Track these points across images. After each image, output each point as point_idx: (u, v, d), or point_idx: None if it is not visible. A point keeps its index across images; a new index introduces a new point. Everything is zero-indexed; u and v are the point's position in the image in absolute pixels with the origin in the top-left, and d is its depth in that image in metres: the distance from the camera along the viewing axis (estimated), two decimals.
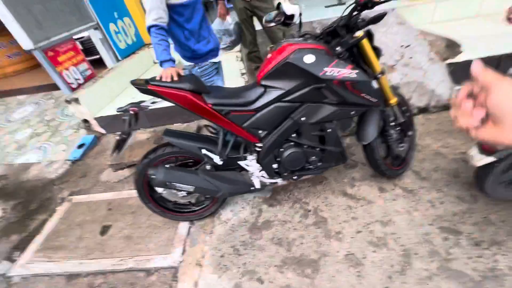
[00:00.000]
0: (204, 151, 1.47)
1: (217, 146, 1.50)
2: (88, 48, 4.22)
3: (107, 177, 2.52)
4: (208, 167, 1.53)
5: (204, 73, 1.83)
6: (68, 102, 2.97)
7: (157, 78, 1.37)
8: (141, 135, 2.85)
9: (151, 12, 1.49)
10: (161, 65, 1.50)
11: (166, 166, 1.50)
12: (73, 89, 3.12)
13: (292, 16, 2.31)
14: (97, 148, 2.99)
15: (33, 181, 2.67)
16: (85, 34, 3.92)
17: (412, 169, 1.88)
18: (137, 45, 4.20)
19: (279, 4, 2.32)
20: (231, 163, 1.55)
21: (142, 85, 1.34)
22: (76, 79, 3.19)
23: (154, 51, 1.54)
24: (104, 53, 3.73)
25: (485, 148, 1.31)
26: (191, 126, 2.84)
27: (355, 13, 1.28)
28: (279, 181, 1.63)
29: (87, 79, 3.35)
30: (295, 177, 1.64)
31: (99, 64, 3.83)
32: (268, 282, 1.44)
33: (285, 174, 1.62)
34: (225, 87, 1.70)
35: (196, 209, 1.82)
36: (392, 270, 1.37)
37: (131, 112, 1.42)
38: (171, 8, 1.55)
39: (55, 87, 4.58)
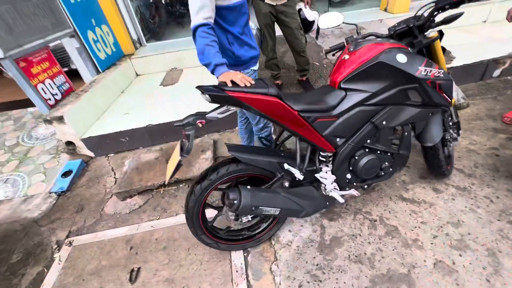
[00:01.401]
0: (286, 166, 1.27)
1: (295, 160, 1.31)
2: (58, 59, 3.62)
3: (113, 208, 2.09)
4: (286, 184, 1.33)
5: None
6: (48, 121, 2.44)
7: (229, 85, 1.14)
8: (146, 155, 2.47)
9: (202, 9, 1.26)
10: (213, 71, 1.26)
11: (247, 187, 1.25)
12: (51, 106, 2.60)
13: (312, 22, 2.27)
14: (88, 174, 2.50)
15: (6, 223, 2.08)
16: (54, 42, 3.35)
17: (454, 168, 1.93)
18: (116, 56, 3.75)
19: (299, 10, 2.28)
20: (307, 177, 1.37)
21: (216, 91, 1.11)
22: (54, 94, 2.67)
23: (202, 54, 1.26)
24: (81, 64, 3.23)
25: None
26: (206, 141, 2.56)
27: (435, 13, 1.26)
28: (352, 192, 1.50)
29: (65, 94, 2.83)
30: (365, 186, 1.53)
31: (70, 76, 3.25)
32: None
33: (356, 183, 1.50)
34: (298, 93, 1.53)
35: (251, 234, 1.58)
36: (486, 272, 1.33)
37: (199, 125, 1.17)
38: (216, 10, 1.36)
39: (10, 106, 3.82)
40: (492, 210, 1.61)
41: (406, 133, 1.41)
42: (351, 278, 1.39)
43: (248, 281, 1.46)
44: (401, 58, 1.21)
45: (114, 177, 2.40)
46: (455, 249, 1.45)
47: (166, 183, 1.64)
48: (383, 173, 1.51)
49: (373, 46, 1.24)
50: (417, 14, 1.33)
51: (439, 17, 1.29)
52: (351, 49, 1.31)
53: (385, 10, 4.03)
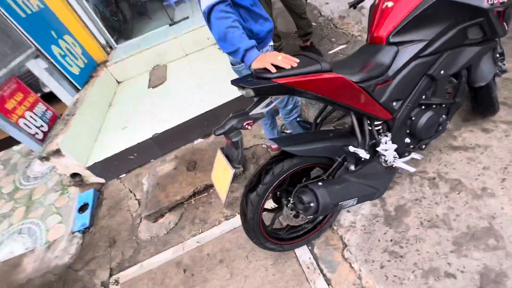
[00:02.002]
0: (351, 148, 1.10)
1: (352, 138, 1.14)
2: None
3: (148, 232, 1.93)
4: (352, 167, 1.17)
5: None
6: (44, 158, 2.17)
7: (272, 70, 0.92)
8: (163, 167, 2.26)
9: None
10: (243, 58, 1.04)
11: (319, 184, 1.09)
12: (41, 141, 2.31)
13: None
14: (106, 202, 2.30)
15: (38, 277, 1.91)
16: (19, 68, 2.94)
17: None
18: (90, 67, 3.36)
19: None
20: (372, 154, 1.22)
21: (262, 83, 0.89)
22: (39, 127, 2.38)
23: (224, 40, 1.04)
24: (55, 85, 2.86)
25: None
26: (219, 140, 2.35)
27: None
28: (415, 156, 1.36)
29: (51, 123, 2.53)
30: (423, 146, 1.40)
31: (46, 101, 2.87)
32: (460, 272, 1.19)
33: (414, 146, 1.36)
34: (341, 60, 1.30)
35: (313, 226, 1.45)
36: None
37: (248, 127, 0.97)
38: None
39: None
40: None
41: (463, 78, 1.25)
42: (432, 245, 1.30)
43: (324, 275, 1.36)
44: None
45: (136, 199, 2.21)
46: None
47: (224, 204, 1.39)
48: (440, 128, 1.37)
49: None
50: None
51: None
52: None
53: None
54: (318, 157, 1.17)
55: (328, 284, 1.33)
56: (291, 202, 1.21)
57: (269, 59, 0.96)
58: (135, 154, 2.43)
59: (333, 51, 2.42)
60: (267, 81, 0.90)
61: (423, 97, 1.24)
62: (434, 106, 1.28)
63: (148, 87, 3.19)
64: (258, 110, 1.01)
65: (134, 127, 2.58)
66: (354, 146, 1.10)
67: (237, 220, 1.75)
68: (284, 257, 1.49)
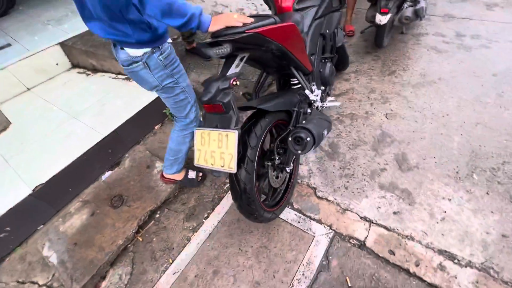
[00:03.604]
0: (307, 92, 1.27)
1: (302, 87, 1.35)
2: None
3: None
4: (308, 110, 1.34)
5: (169, 60, 1.19)
6: None
7: (240, 25, 0.95)
8: (71, 222, 1.63)
9: None
10: (198, 25, 0.95)
11: (303, 123, 1.15)
12: None
13: None
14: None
15: None
16: None
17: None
18: None
19: None
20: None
21: (239, 35, 0.90)
22: None
23: (170, 13, 0.90)
24: None
25: None
26: (139, 156, 1.98)
27: None
28: (334, 101, 1.74)
29: None
30: (330, 92, 1.83)
31: None
32: (385, 165, 1.67)
33: (327, 92, 1.76)
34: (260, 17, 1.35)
35: (284, 187, 1.55)
36: None
37: (235, 83, 0.95)
38: None
39: None
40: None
41: (338, 35, 1.75)
42: (363, 157, 1.74)
43: (313, 219, 1.50)
44: None
45: (43, 285, 1.48)
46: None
47: (235, 171, 1.03)
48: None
49: None
50: None
51: None
52: None
53: None
54: (280, 112, 1.29)
55: (321, 223, 1.47)
56: (276, 158, 1.26)
57: (225, 19, 0.97)
58: (8, 229, 1.60)
59: None
60: (243, 33, 0.92)
61: (322, 53, 1.63)
62: (328, 59, 1.72)
63: None
64: (232, 70, 1.00)
65: None
66: (308, 90, 1.31)
67: (208, 225, 1.57)
68: (273, 228, 1.50)
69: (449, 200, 1.46)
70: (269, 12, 1.60)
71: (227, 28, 0.95)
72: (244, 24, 0.96)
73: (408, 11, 2.26)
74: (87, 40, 2.79)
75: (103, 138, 1.97)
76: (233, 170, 0.97)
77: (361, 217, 1.46)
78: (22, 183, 1.72)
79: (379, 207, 1.48)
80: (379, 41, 2.45)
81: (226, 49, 0.91)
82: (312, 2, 1.44)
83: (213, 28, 0.97)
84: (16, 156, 1.94)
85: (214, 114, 0.99)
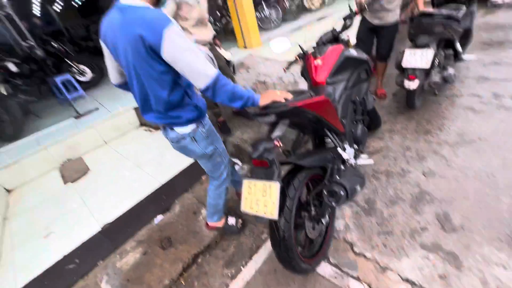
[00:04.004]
0: (340, 150, 1.44)
1: (335, 146, 1.53)
2: None
3: None
4: (342, 167, 1.50)
5: (209, 131, 1.40)
6: None
7: (282, 101, 1.23)
8: (126, 260, 1.84)
9: (207, 62, 1.10)
10: (253, 103, 1.19)
11: (337, 177, 1.30)
12: None
13: (229, 61, 2.63)
14: None
15: None
16: None
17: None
18: None
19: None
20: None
21: (283, 107, 1.17)
22: None
23: (233, 98, 1.15)
24: None
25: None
26: (187, 202, 2.23)
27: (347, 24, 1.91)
28: (367, 159, 1.87)
29: None
30: (363, 150, 1.96)
31: None
32: (426, 223, 1.64)
33: (359, 150, 1.90)
34: (302, 92, 1.59)
35: (321, 239, 1.60)
36: None
37: (279, 144, 1.17)
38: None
39: None
40: None
41: (368, 100, 1.97)
42: (401, 214, 1.73)
43: (351, 276, 1.48)
44: (353, 51, 1.74)
45: None
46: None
47: (276, 218, 1.15)
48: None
49: (334, 48, 1.71)
50: (334, 28, 1.93)
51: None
52: (318, 55, 1.72)
53: (245, 47, 5.01)
54: (316, 167, 1.46)
55: (360, 281, 1.45)
56: (313, 210, 1.38)
57: (271, 95, 1.25)
58: (77, 261, 1.87)
59: None
60: (285, 107, 1.19)
61: (354, 116, 1.84)
62: (359, 121, 1.91)
63: (65, 183, 2.67)
64: (276, 133, 1.25)
65: (65, 229, 2.04)
66: (341, 149, 1.48)
67: (246, 273, 1.64)
68: (309, 282, 1.51)
69: (504, 267, 1.35)
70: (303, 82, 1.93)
71: (273, 102, 1.23)
72: (285, 99, 1.24)
73: (436, 77, 2.43)
74: None
75: (161, 186, 2.29)
76: (275, 216, 1.12)
77: (403, 278, 1.41)
78: (94, 221, 2.05)
79: (422, 269, 1.43)
80: (410, 103, 2.60)
81: (271, 118, 1.18)
82: (342, 77, 1.72)
83: (262, 102, 1.24)
84: (91, 198, 2.34)
85: (260, 168, 1.21)
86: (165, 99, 1.17)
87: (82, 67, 5.03)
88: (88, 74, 5.13)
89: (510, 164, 1.90)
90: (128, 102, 3.72)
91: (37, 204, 2.47)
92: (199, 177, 2.52)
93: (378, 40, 2.80)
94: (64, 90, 4.00)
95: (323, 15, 6.16)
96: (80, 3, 18.57)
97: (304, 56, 1.86)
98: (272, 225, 1.27)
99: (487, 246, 1.46)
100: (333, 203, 1.26)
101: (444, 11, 2.35)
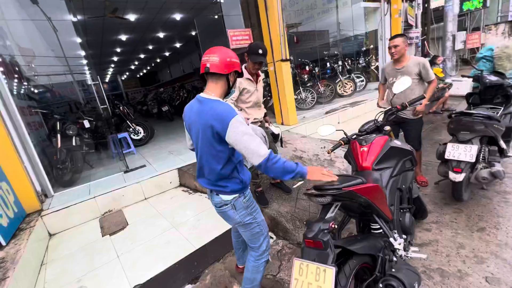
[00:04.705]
0: (392, 240, 1.40)
1: (386, 235, 1.49)
2: None
3: None
4: (394, 258, 1.41)
5: (249, 201, 1.55)
6: None
7: (329, 181, 1.32)
8: None
9: (261, 143, 1.30)
10: (302, 175, 1.32)
11: (393, 270, 1.22)
12: None
13: (278, 134, 2.89)
14: None
15: None
16: None
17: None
18: (19, 218, 2.75)
19: (267, 127, 2.86)
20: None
21: (334, 190, 1.24)
22: None
23: (284, 172, 1.29)
24: None
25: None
26: (219, 274, 2.13)
27: (389, 117, 2.10)
28: (419, 255, 1.74)
29: None
30: (412, 241, 1.85)
31: None
32: None
33: (408, 241, 1.80)
34: (353, 177, 1.65)
35: None
36: None
37: (333, 226, 1.20)
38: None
39: None
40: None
41: (413, 188, 1.97)
42: None
43: None
44: (398, 142, 1.86)
45: None
46: None
47: None
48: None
49: (380, 138, 1.85)
50: (376, 120, 2.12)
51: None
52: (364, 143, 1.85)
53: (282, 123, 5.45)
54: (365, 255, 1.40)
55: None
56: None
57: (318, 172, 1.33)
58: None
59: (296, 185, 3.08)
60: (340, 190, 1.26)
61: (400, 203, 1.83)
62: (406, 210, 1.87)
63: (103, 236, 2.75)
64: (329, 215, 1.28)
65: (98, 284, 2.02)
66: (392, 238, 1.43)
67: None
68: None
69: None
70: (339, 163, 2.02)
71: (328, 183, 1.31)
72: (332, 181, 1.32)
73: (483, 172, 2.39)
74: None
75: (194, 251, 2.27)
76: None
77: None
78: (125, 280, 2.02)
79: None
80: (458, 195, 2.50)
81: (327, 199, 1.24)
82: (388, 164, 1.79)
83: (311, 177, 1.32)
84: (127, 254, 2.36)
85: (313, 249, 1.20)
86: (217, 171, 1.41)
87: (138, 127, 5.75)
88: (141, 134, 5.80)
89: None
90: (172, 163, 4.04)
91: (74, 252, 2.53)
92: (231, 247, 2.47)
93: (406, 134, 2.93)
94: (117, 146, 4.52)
95: (355, 101, 6.69)
96: (141, 74, 22.37)
97: (348, 141, 2.01)
98: None
99: None
100: None
101: (483, 112, 2.49)
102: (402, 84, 2.07)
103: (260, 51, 2.26)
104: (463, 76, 4.03)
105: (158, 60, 17.46)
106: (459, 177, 2.36)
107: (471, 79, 3.21)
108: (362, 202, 1.35)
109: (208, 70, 1.35)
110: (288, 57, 4.79)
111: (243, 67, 2.45)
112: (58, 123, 3.90)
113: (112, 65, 16.18)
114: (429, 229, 2.34)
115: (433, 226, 2.37)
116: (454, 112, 2.62)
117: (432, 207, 2.62)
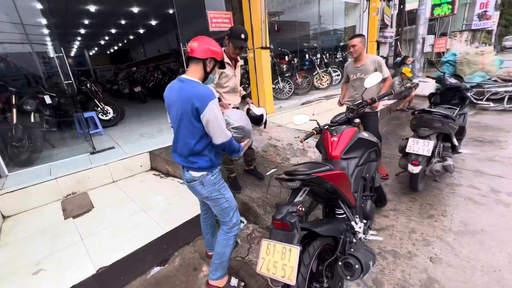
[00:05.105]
0: (353, 223, 1.51)
1: (348, 218, 1.60)
2: None
3: None
4: (354, 240, 1.53)
5: (216, 179, 1.65)
6: None
7: (299, 167, 1.39)
8: None
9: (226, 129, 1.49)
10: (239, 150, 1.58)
11: (351, 250, 1.32)
12: None
13: (261, 116, 2.72)
14: None
15: None
16: None
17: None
18: None
19: (248, 110, 2.74)
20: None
21: (303, 175, 1.31)
22: None
23: (238, 150, 1.58)
24: None
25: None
26: (188, 256, 2.15)
27: (360, 109, 2.21)
28: (376, 237, 1.90)
29: None
30: (371, 226, 2.01)
31: None
32: None
33: (368, 225, 1.95)
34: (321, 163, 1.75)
35: None
36: None
37: (301, 209, 1.26)
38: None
39: None
40: None
41: (376, 178, 2.12)
42: None
43: None
44: (365, 134, 1.98)
45: None
46: None
47: (294, 283, 1.18)
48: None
49: (349, 130, 1.95)
50: (347, 112, 2.22)
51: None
52: (335, 134, 1.94)
53: None
54: (329, 237, 1.50)
55: None
56: (325, 282, 1.37)
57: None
58: None
59: (269, 172, 3.15)
60: (309, 175, 1.32)
61: (363, 191, 1.96)
62: (368, 197, 2.02)
63: (65, 218, 2.62)
64: (297, 199, 1.35)
65: (57, 268, 1.94)
66: (354, 222, 1.55)
67: None
68: None
69: None
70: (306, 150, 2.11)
71: (300, 170, 1.37)
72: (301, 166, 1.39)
73: (437, 165, 2.64)
74: (169, 152, 3.62)
75: (164, 234, 2.26)
76: (293, 282, 1.13)
77: None
78: (89, 263, 1.96)
79: None
80: (414, 186, 2.75)
81: (296, 183, 1.30)
82: (355, 154, 1.91)
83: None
84: (91, 237, 2.28)
85: (280, 230, 1.26)
86: (191, 146, 1.51)
87: (106, 107, 5.42)
88: (110, 114, 5.49)
89: None
90: (143, 146, 3.90)
91: (31, 235, 2.39)
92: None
93: (365, 127, 3.06)
94: (84, 126, 4.24)
95: (329, 94, 6.89)
96: (112, 51, 20.88)
97: (320, 131, 2.09)
98: None
99: None
100: (348, 277, 1.27)
101: (442, 111, 2.72)
102: (373, 79, 2.18)
103: (243, 36, 2.23)
104: (427, 76, 4.33)
105: (131, 37, 16.35)
106: (416, 169, 2.58)
107: (435, 80, 3.47)
108: (329, 187, 1.43)
109: (188, 54, 1.50)
110: (268, 45, 4.77)
111: (222, 50, 2.40)
112: (13, 96, 3.54)
113: (79, 38, 14.83)
114: (387, 216, 2.55)
115: (391, 213, 2.59)
116: (417, 110, 2.83)
117: (392, 196, 2.85)
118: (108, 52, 21.46)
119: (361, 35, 2.92)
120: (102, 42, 17.24)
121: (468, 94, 3.13)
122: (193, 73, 1.53)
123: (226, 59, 2.39)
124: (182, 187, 3.10)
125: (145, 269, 2.08)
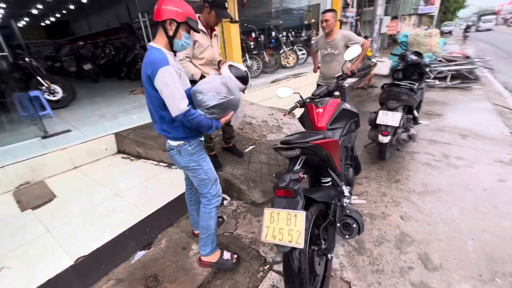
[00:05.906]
0: (343, 188, 1.59)
1: (338, 185, 1.68)
2: None
3: None
4: (344, 204, 1.62)
5: (195, 149, 1.61)
6: None
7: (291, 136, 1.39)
8: None
9: (183, 98, 1.37)
10: (216, 127, 1.51)
11: (347, 211, 1.38)
12: None
13: (246, 72, 2.51)
14: None
15: None
16: None
17: None
18: None
19: (230, 65, 2.51)
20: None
21: (302, 143, 1.32)
22: None
23: (201, 126, 1.45)
24: None
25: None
26: (176, 237, 2.07)
27: (339, 83, 2.27)
28: (359, 201, 2.04)
29: None
30: (352, 191, 2.15)
31: None
32: (403, 262, 1.80)
33: (350, 191, 2.08)
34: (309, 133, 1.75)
35: (322, 275, 1.63)
36: None
37: (303, 176, 1.27)
38: None
39: None
40: None
41: (354, 148, 2.24)
42: (389, 254, 1.88)
43: None
44: (348, 105, 2.05)
45: None
46: None
47: (303, 246, 1.20)
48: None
49: (333, 101, 1.99)
50: (328, 85, 2.27)
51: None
52: (320, 105, 1.97)
53: None
54: (321, 203, 1.57)
55: None
56: (323, 244, 1.44)
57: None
58: None
59: (248, 149, 3.13)
60: (306, 143, 1.33)
61: (346, 160, 2.07)
62: (350, 165, 2.14)
63: (23, 211, 2.30)
64: (296, 166, 1.36)
65: (24, 264, 1.71)
66: (344, 187, 1.63)
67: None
68: None
69: None
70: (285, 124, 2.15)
71: (297, 139, 1.37)
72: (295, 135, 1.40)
73: (403, 135, 2.90)
74: (138, 132, 3.35)
75: (145, 217, 2.13)
76: (301, 245, 1.16)
77: None
78: (63, 254, 1.77)
79: None
80: (382, 155, 2.99)
81: (296, 152, 1.30)
82: (340, 125, 1.98)
83: (224, 121, 1.55)
84: (59, 228, 2.04)
85: (283, 198, 1.27)
86: (159, 115, 1.49)
87: (53, 86, 4.73)
88: (59, 94, 4.82)
89: (467, 212, 2.26)
90: (106, 127, 3.54)
91: None
92: (185, 210, 2.41)
93: None
94: (28, 107, 3.67)
95: (297, 72, 6.99)
96: (48, 23, 18.01)
97: (303, 104, 2.11)
98: (288, 257, 1.28)
99: (465, 284, 1.64)
100: (347, 236, 1.35)
101: (407, 84, 2.94)
102: (353, 52, 2.24)
103: (226, 5, 2.07)
104: (392, 54, 4.62)
105: (72, 7, 14.22)
106: (386, 139, 2.80)
107: (398, 57, 3.71)
108: (323, 155, 1.47)
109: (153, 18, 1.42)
110: (237, 19, 4.56)
111: (196, 16, 2.20)
112: None
113: (3, 5, 12.38)
114: (360, 183, 2.76)
115: (364, 180, 2.81)
116: (386, 83, 3.02)
117: (363, 166, 3.05)
118: (44, 25, 18.44)
119: (333, 10, 2.95)
120: (35, 12, 14.69)
121: (427, 70, 3.43)
122: (157, 40, 1.45)
123: (201, 26, 2.21)
124: (157, 168, 2.93)
125: (128, 254, 1.96)
